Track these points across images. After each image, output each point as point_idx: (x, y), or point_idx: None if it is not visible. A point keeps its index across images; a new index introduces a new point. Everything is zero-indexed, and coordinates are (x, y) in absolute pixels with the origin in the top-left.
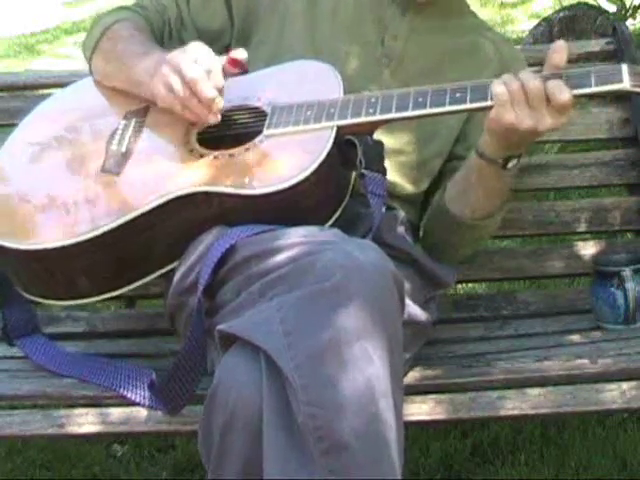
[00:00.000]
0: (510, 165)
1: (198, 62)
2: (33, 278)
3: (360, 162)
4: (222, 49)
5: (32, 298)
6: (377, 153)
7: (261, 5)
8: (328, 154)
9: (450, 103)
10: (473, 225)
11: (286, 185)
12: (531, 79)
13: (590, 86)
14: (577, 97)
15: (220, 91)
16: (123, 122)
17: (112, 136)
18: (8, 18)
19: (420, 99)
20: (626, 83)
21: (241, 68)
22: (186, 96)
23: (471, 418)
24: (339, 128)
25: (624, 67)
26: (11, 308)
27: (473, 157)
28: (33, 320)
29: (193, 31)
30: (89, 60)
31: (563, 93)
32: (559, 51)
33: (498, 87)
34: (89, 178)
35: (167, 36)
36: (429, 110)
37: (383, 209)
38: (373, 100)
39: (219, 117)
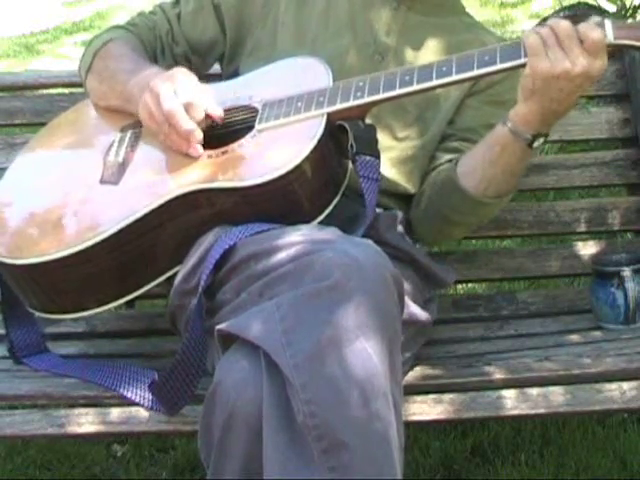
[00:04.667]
0: (536, 144)
1: (178, 93)
2: (39, 293)
3: (351, 146)
4: (216, 58)
5: (41, 315)
6: (370, 137)
7: (253, 15)
8: (319, 141)
9: (437, 77)
10: (482, 202)
11: (279, 173)
12: (560, 21)
13: None
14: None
15: (199, 123)
16: (119, 135)
17: (109, 148)
18: (8, 18)
19: (407, 77)
20: (610, 37)
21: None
22: (165, 128)
23: (471, 418)
24: (329, 115)
25: (607, 21)
26: (18, 330)
27: (500, 130)
28: (40, 340)
29: (185, 45)
30: (84, 81)
31: (595, 31)
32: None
33: (529, 37)
34: (88, 191)
35: (159, 52)
36: (416, 87)
37: (377, 208)
38: (361, 84)
39: (200, 150)
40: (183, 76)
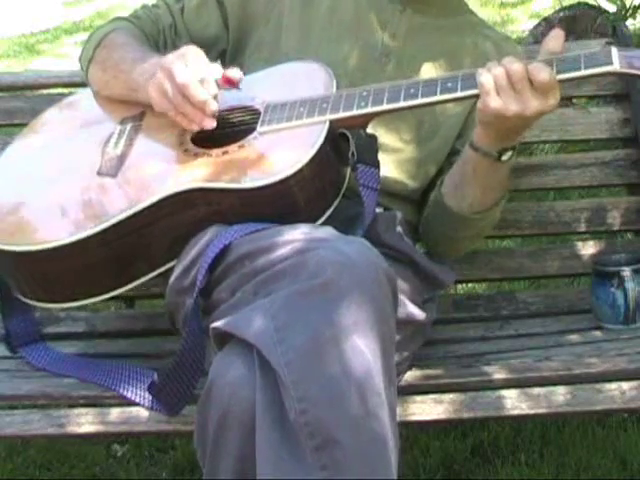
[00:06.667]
0: (504, 157)
1: (189, 67)
2: (31, 281)
3: (352, 155)
4: (218, 54)
5: (31, 302)
6: (370, 146)
7: (256, 12)
8: (320, 148)
9: (441, 92)
10: (471, 219)
11: (279, 177)
12: (513, 62)
13: (580, 69)
14: (569, 81)
15: (213, 96)
16: (119, 127)
17: (108, 140)
18: (8, 18)
19: (412, 90)
20: (616, 65)
21: (234, 86)
22: (179, 101)
23: (471, 418)
24: (332, 122)
25: (614, 49)
26: (14, 318)
27: (468, 151)
28: (36, 329)
29: (187, 39)
30: (86, 72)
31: (542, 72)
32: (555, 38)
33: (482, 75)
34: (86, 181)
35: (162, 45)
36: (420, 100)
37: (379, 208)
38: (365, 94)
39: (214, 122)
40: (194, 51)
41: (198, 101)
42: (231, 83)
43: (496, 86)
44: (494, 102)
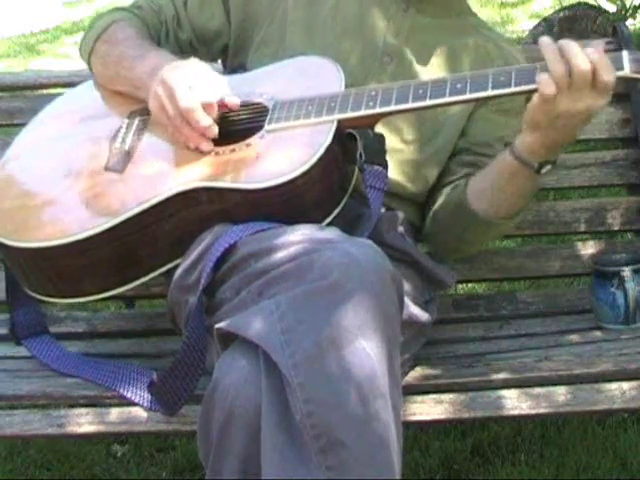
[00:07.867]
0: (544, 170)
1: (193, 88)
2: (38, 276)
3: (360, 156)
4: (221, 49)
5: (37, 297)
6: (378, 146)
7: (260, 11)
8: (328, 148)
9: (450, 94)
10: (495, 223)
11: (286, 179)
12: (581, 63)
13: None
14: None
15: (215, 120)
16: (126, 121)
17: (115, 135)
18: (8, 18)
19: (420, 91)
20: (627, 70)
21: (227, 110)
22: (178, 123)
23: (471, 418)
24: (340, 122)
25: (625, 54)
26: (20, 309)
27: (507, 158)
28: (41, 321)
29: (190, 32)
30: (87, 62)
31: (610, 74)
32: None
33: (547, 86)
34: (93, 176)
35: (164, 37)
36: (429, 102)
37: (382, 207)
38: (373, 93)
39: (212, 145)
40: (197, 68)
41: (201, 127)
42: (224, 107)
43: (559, 88)
44: (563, 104)
